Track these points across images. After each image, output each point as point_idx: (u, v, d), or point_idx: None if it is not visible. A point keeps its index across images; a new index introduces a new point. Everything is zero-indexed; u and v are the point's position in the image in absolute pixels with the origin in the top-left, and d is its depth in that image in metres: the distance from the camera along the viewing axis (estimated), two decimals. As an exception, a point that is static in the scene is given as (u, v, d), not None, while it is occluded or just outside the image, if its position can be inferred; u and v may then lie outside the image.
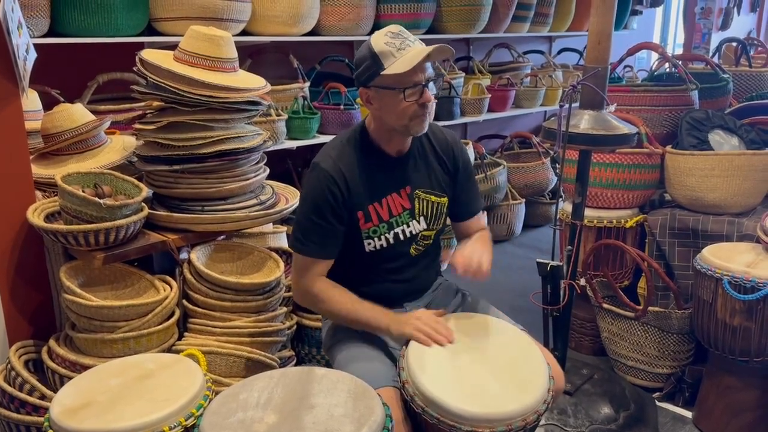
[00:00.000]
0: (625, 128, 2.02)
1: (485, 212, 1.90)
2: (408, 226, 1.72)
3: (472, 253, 1.61)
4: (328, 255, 1.67)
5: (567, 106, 2.02)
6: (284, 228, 2.88)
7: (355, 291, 1.68)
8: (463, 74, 4.26)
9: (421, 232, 1.75)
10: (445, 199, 1.76)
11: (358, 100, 3.43)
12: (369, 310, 1.63)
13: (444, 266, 3.38)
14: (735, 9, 6.38)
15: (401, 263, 1.75)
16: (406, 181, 1.71)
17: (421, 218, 1.74)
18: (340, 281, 1.68)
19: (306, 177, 1.68)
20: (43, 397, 1.78)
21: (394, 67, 1.53)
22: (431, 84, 1.59)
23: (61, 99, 2.51)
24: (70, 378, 1.70)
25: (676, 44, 7.60)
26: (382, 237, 1.70)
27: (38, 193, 2.03)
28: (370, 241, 1.69)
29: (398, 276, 1.76)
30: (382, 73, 1.54)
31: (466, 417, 1.33)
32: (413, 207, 1.72)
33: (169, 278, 2.02)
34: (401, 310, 1.79)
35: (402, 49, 1.54)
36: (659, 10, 6.92)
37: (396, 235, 1.71)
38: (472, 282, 1.62)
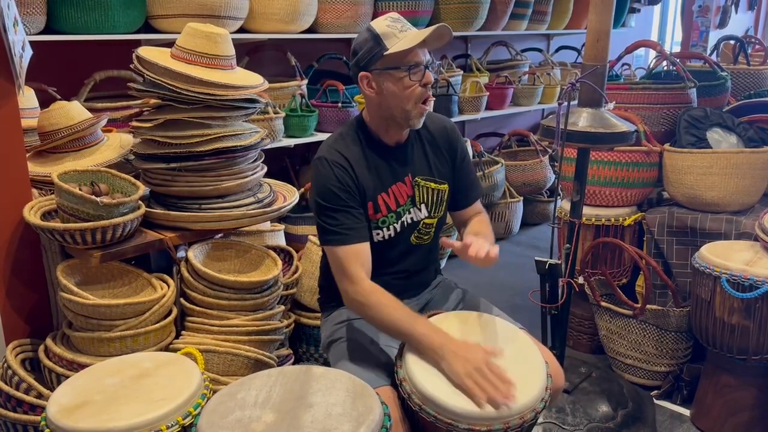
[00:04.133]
0: (623, 126, 2.02)
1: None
2: (410, 213, 1.73)
3: (481, 242, 1.53)
4: (363, 236, 1.60)
5: (565, 103, 2.02)
6: (282, 226, 2.87)
7: None
8: (461, 72, 4.26)
9: (422, 219, 1.74)
10: (445, 186, 1.76)
11: (357, 98, 3.43)
12: (423, 325, 1.47)
13: (444, 263, 3.38)
14: (733, 7, 6.37)
15: (401, 252, 1.74)
16: (407, 169, 1.71)
17: (422, 206, 1.74)
18: None
19: (312, 174, 1.66)
20: (40, 395, 1.77)
21: (399, 45, 1.54)
22: (433, 67, 1.61)
23: (58, 96, 2.50)
24: (67, 377, 1.69)
25: (673, 42, 7.60)
26: (391, 227, 1.70)
27: (35, 191, 2.02)
28: (379, 231, 1.69)
29: (397, 267, 1.75)
30: (384, 54, 1.55)
31: (463, 415, 1.33)
32: (414, 194, 1.72)
33: (166, 277, 2.02)
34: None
35: (403, 31, 1.57)
36: (657, 8, 6.92)
37: (403, 224, 1.72)
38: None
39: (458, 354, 1.40)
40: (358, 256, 1.58)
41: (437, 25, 1.55)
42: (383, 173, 1.68)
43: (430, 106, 1.63)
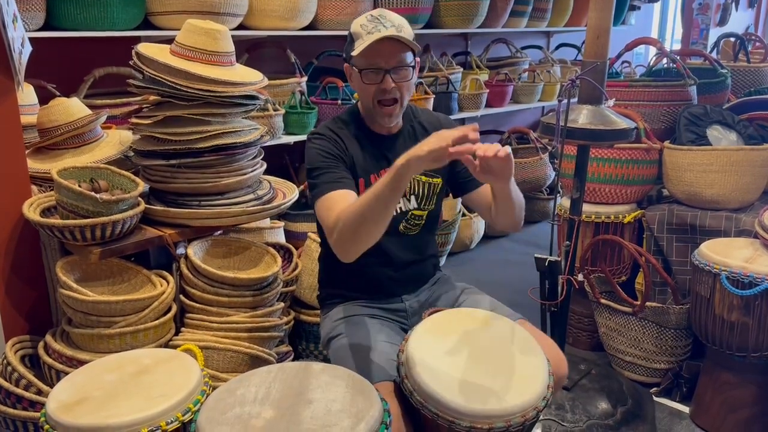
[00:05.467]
0: (623, 123, 2.02)
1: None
2: (399, 203, 1.73)
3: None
4: (347, 185, 1.58)
5: (565, 101, 2.02)
6: (281, 223, 2.87)
7: (350, 280, 1.69)
8: (461, 69, 4.25)
9: (411, 210, 1.75)
10: (438, 180, 1.77)
11: (356, 95, 3.42)
12: (379, 181, 1.43)
13: (443, 260, 3.37)
14: (733, 4, 6.36)
15: (391, 241, 1.72)
16: (397, 158, 1.70)
17: (412, 197, 1.75)
18: (334, 268, 1.67)
19: (306, 149, 1.69)
20: (39, 392, 1.77)
21: (357, 48, 1.59)
22: (404, 71, 1.61)
23: (57, 93, 2.49)
24: (66, 373, 1.70)
25: (674, 40, 7.60)
26: None
27: (34, 188, 2.02)
28: None
29: (390, 257, 1.75)
30: (352, 53, 1.62)
31: (465, 413, 1.33)
32: None
33: (165, 273, 2.01)
34: (401, 304, 1.79)
35: (371, 33, 1.58)
36: (657, 5, 6.92)
37: None
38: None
39: (414, 149, 1.36)
40: (336, 202, 1.53)
41: (393, 33, 1.55)
42: (373, 157, 1.71)
43: (401, 105, 1.65)
